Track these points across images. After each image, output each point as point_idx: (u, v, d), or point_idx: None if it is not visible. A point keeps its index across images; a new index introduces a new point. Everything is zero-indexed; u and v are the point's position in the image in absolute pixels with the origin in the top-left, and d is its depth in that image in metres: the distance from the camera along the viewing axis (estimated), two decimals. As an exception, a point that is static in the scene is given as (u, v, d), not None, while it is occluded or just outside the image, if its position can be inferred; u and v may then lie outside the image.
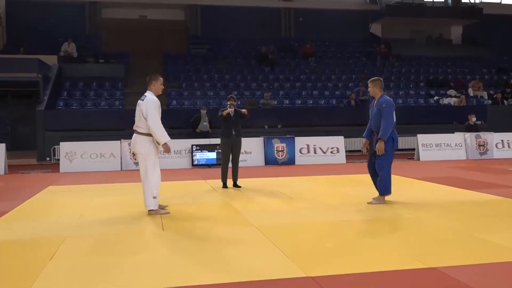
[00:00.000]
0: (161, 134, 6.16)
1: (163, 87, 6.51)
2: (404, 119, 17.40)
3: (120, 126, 15.87)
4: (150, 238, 5.29)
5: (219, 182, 9.36)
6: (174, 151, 12.83)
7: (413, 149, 15.27)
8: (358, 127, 18.34)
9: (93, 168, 12.72)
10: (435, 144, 14.70)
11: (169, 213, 6.31)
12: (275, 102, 18.35)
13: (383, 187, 6.69)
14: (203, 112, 15.11)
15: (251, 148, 13.64)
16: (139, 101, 6.33)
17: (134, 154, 6.58)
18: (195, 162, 13.19)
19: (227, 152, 9.03)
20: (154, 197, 6.24)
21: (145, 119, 6.13)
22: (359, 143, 16.70)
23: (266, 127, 16.87)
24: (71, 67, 18.84)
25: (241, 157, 13.33)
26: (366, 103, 18.11)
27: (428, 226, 5.61)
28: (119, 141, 13.18)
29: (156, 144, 6.27)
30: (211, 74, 20.44)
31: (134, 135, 6.34)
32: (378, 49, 23.37)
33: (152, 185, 6.21)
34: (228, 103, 9.08)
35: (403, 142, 16.40)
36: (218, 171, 12.27)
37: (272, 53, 21.80)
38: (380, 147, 6.62)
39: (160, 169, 6.49)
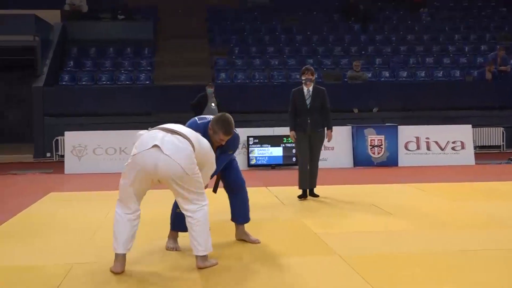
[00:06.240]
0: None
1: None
2: None
3: (147, 109, 16.16)
4: (194, 269, 5.39)
5: (287, 190, 9.46)
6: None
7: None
8: (494, 111, 17.86)
9: (111, 169, 12.91)
10: None
11: (216, 264, 5.48)
12: (369, 75, 18.15)
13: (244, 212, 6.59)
14: (210, 90, 14.88)
15: (334, 142, 13.43)
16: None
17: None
18: (252, 162, 13.26)
19: (305, 150, 9.05)
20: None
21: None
22: (494, 135, 16.31)
23: (356, 111, 16.70)
24: (79, 26, 19.32)
25: (320, 154, 13.31)
26: (507, 77, 17.60)
27: None
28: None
29: None
30: (275, 35, 20.46)
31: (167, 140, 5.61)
32: (525, -6, 22.65)
33: (207, 217, 5.64)
34: (303, 78, 8.96)
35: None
36: (284, 174, 12.35)
37: (365, 2, 21.58)
38: None
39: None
